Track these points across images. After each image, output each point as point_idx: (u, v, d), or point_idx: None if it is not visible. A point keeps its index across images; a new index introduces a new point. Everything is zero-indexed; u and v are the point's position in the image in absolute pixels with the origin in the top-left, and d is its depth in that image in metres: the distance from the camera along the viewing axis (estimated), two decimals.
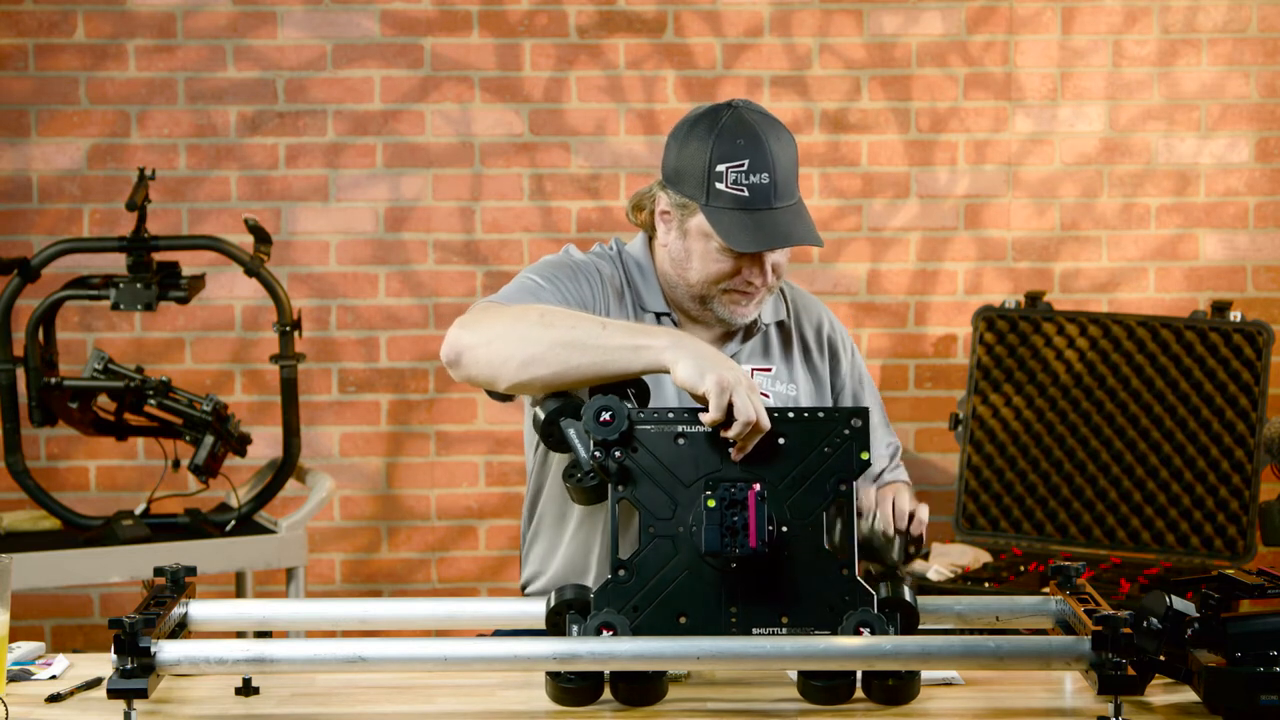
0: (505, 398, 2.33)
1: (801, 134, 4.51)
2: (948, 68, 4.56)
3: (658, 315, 2.47)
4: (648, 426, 2.12)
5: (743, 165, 2.34)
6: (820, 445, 2.13)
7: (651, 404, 2.22)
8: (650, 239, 2.50)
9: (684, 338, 2.20)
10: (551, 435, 2.18)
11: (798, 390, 2.52)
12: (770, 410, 2.13)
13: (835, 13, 4.54)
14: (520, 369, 2.19)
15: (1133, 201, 4.61)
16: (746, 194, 2.34)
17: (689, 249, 2.41)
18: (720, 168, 2.35)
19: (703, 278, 2.41)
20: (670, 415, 2.13)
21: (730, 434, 2.10)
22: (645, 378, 2.22)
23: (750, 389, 2.11)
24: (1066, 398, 4.28)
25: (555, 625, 2.09)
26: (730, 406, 2.09)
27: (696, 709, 2.05)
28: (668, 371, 2.15)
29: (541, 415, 2.18)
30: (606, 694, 2.04)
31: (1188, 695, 2.08)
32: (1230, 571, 2.15)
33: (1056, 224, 4.61)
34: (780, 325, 2.55)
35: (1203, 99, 4.58)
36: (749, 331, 2.50)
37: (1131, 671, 1.94)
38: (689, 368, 2.12)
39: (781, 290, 2.56)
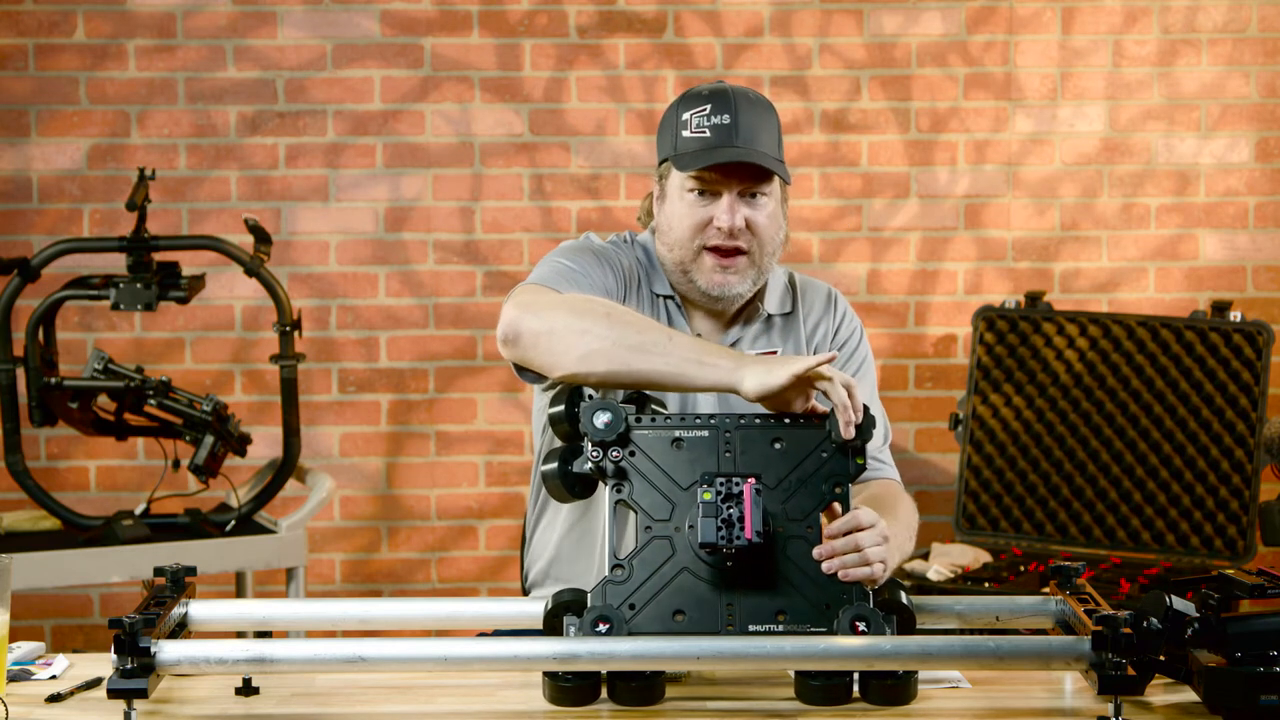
0: (536, 378, 2.32)
1: (801, 134, 4.51)
2: (948, 68, 4.56)
3: (664, 298, 2.48)
4: (645, 430, 2.12)
5: (704, 110, 2.39)
6: (817, 449, 2.12)
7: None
8: (655, 232, 2.53)
9: (745, 358, 2.16)
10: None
11: None
12: (767, 416, 2.13)
13: (835, 13, 4.53)
14: (579, 362, 2.19)
15: (1133, 201, 4.61)
16: (708, 134, 2.38)
17: (669, 212, 2.45)
18: (685, 116, 2.41)
19: (681, 234, 2.42)
20: (668, 419, 2.13)
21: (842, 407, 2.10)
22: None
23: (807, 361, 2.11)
24: (1066, 398, 4.28)
25: (553, 628, 2.09)
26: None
27: (695, 709, 2.04)
28: (735, 391, 2.13)
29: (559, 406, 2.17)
30: (604, 694, 2.04)
31: (1188, 695, 2.08)
32: (1230, 571, 2.15)
33: (1056, 224, 4.60)
34: (787, 316, 2.55)
35: (1203, 99, 4.58)
36: (751, 316, 2.51)
37: (1131, 671, 1.94)
38: (756, 379, 2.10)
39: (791, 285, 2.57)
